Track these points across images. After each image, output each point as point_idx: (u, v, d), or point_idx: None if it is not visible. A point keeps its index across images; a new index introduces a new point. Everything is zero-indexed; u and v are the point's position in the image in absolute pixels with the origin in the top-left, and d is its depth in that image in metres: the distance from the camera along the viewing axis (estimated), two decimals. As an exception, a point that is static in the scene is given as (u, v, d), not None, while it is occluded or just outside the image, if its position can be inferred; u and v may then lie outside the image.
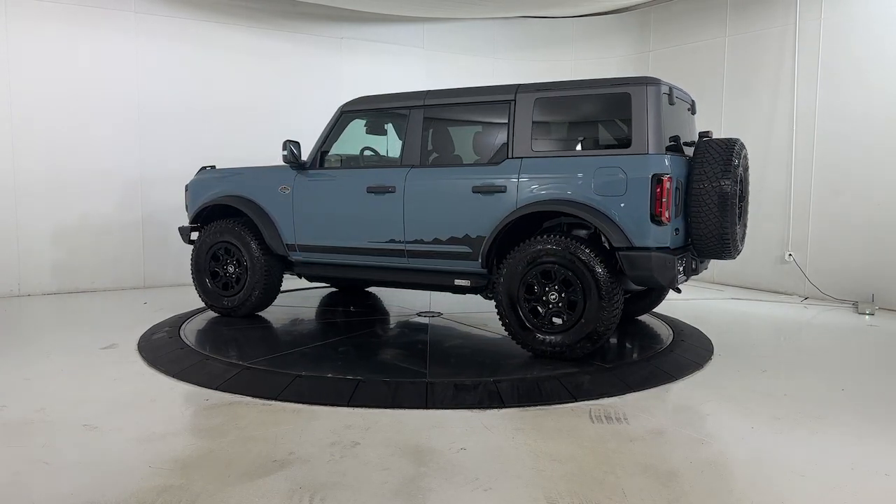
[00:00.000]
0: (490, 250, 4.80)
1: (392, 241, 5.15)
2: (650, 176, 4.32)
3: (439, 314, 6.22)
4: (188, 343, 5.06)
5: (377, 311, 6.58)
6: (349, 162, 5.75)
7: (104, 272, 7.84)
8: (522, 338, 4.70)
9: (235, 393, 4.09)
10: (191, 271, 6.06)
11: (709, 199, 4.53)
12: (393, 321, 6.13)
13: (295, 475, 2.98)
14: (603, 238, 4.62)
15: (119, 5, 7.73)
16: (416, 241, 5.07)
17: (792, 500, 2.81)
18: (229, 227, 5.80)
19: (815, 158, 7.61)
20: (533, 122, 4.76)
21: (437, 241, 4.99)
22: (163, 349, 4.98)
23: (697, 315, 6.50)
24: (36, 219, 7.47)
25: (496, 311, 4.81)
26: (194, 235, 6.10)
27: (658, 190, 4.30)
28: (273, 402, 3.94)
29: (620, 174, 4.41)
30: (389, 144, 6.03)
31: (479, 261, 4.86)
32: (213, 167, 6.22)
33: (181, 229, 6.20)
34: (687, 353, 5.01)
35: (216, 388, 4.16)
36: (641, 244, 4.36)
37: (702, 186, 4.55)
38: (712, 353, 5.14)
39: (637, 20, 9.71)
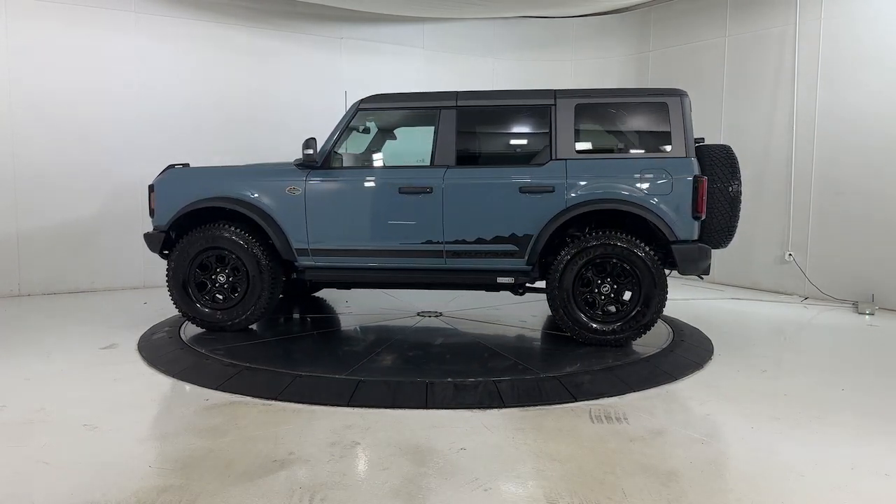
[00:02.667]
0: (543, 248, 4.98)
1: (429, 241, 5.10)
2: (693, 177, 4.86)
3: (439, 314, 6.22)
4: (188, 343, 5.06)
5: (367, 313, 6.45)
6: (365, 161, 5.58)
7: (104, 272, 7.84)
8: (576, 329, 4.99)
9: (235, 393, 4.09)
10: (167, 284, 5.36)
11: (721, 198, 5.07)
12: (404, 323, 5.98)
13: (295, 475, 2.98)
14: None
15: (119, 5, 7.73)
16: (456, 242, 5.06)
17: (792, 500, 2.81)
18: (226, 232, 5.23)
19: (815, 158, 7.61)
20: (575, 126, 5.04)
21: (480, 241, 5.05)
22: (163, 349, 4.98)
23: (697, 315, 6.50)
24: (36, 219, 7.47)
25: (549, 304, 5.04)
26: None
27: (700, 189, 4.84)
28: (273, 402, 3.95)
29: (665, 175, 4.90)
30: (403, 144, 5.96)
31: (525, 258, 5.02)
32: (185, 165, 5.66)
33: (149, 236, 5.45)
34: (687, 353, 5.02)
35: (216, 388, 4.16)
36: (684, 238, 4.90)
37: (715, 187, 5.05)
38: (712, 353, 5.15)
39: (637, 20, 9.71)
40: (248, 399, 4.00)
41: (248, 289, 5.29)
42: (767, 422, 3.72)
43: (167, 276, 5.35)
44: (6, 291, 7.37)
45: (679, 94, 5.04)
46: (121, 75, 7.80)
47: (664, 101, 5.02)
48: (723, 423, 3.74)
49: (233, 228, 5.27)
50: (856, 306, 6.97)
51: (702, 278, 5.20)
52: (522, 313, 6.38)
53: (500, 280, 5.14)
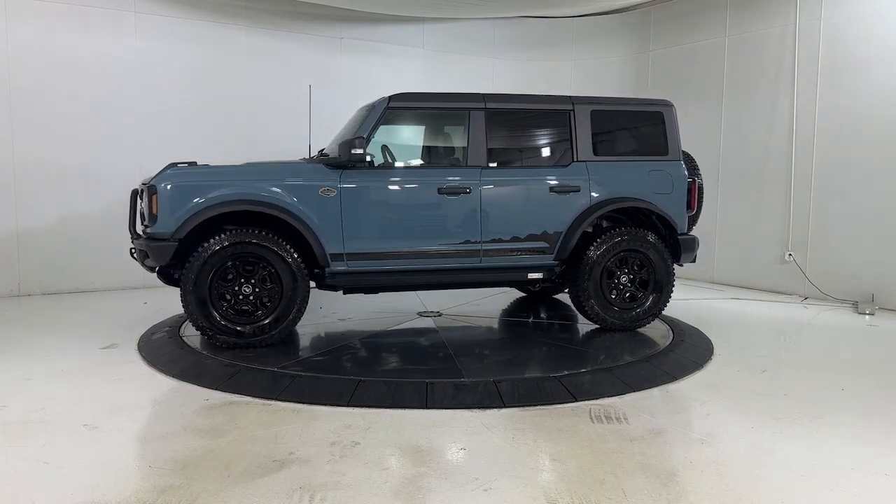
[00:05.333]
0: (574, 244, 5.36)
1: (467, 241, 5.17)
2: (688, 178, 5.61)
3: (439, 314, 6.22)
4: (188, 343, 5.06)
5: (368, 317, 6.37)
6: (394, 160, 5.49)
7: (104, 272, 7.84)
8: (601, 316, 5.46)
9: (235, 393, 4.09)
10: (182, 300, 4.72)
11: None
12: (413, 325, 5.90)
13: (295, 475, 2.98)
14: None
15: (119, 5, 7.74)
16: (493, 241, 5.23)
17: (792, 500, 2.81)
18: (256, 238, 4.75)
19: (815, 158, 7.61)
20: (591, 130, 5.48)
21: (515, 240, 5.27)
22: (163, 349, 4.97)
23: (697, 315, 6.51)
24: (36, 218, 7.47)
25: (573, 295, 5.53)
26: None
27: (692, 188, 5.62)
28: (273, 402, 3.94)
29: (667, 176, 5.57)
30: (405, 143, 5.95)
31: (554, 254, 5.37)
32: (192, 164, 5.02)
33: (156, 248, 4.66)
34: (687, 353, 5.02)
35: (216, 388, 4.16)
36: (682, 231, 5.64)
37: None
38: (712, 353, 5.15)
39: (637, 20, 9.71)
40: (248, 399, 4.00)
41: (280, 300, 4.89)
42: (767, 422, 3.72)
43: (183, 289, 4.72)
44: (6, 291, 7.37)
45: (669, 104, 5.72)
46: (121, 75, 7.80)
47: (659, 111, 5.66)
48: (723, 422, 3.74)
49: (267, 235, 4.81)
50: (856, 306, 6.97)
51: (681, 265, 5.82)
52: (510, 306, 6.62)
53: (532, 276, 5.41)
